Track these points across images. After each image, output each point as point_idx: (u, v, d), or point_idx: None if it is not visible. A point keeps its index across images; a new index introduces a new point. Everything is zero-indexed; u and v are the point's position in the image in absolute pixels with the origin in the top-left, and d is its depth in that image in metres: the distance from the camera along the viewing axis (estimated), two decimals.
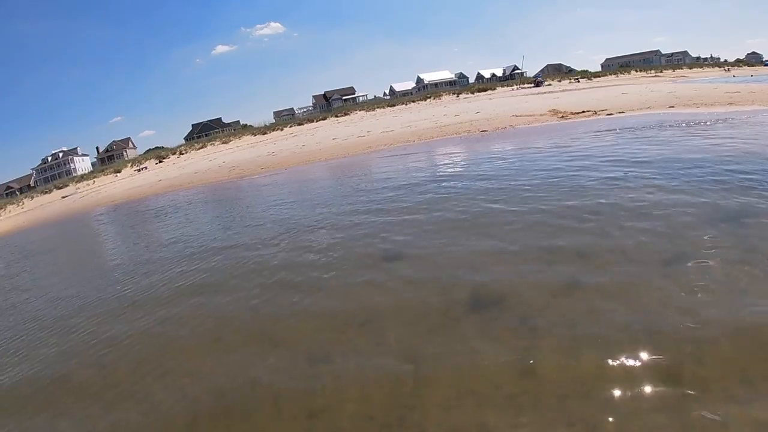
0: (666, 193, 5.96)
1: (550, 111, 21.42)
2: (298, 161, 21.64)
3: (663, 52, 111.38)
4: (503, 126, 19.26)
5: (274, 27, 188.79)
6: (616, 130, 13.12)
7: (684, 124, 12.39)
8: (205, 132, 79.82)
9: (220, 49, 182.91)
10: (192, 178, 25.11)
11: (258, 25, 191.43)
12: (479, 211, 6.63)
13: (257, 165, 23.63)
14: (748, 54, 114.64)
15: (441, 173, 10.68)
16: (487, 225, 5.93)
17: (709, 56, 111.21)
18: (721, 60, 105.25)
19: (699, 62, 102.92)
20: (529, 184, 7.68)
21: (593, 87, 43.38)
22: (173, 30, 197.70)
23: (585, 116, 18.60)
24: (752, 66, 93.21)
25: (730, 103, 17.22)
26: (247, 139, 51.44)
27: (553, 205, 6.25)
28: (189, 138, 77.36)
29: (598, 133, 13.00)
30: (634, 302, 3.53)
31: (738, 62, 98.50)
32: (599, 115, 18.26)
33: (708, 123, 12.22)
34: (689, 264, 3.98)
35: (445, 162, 12.80)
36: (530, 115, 21.01)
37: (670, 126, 12.45)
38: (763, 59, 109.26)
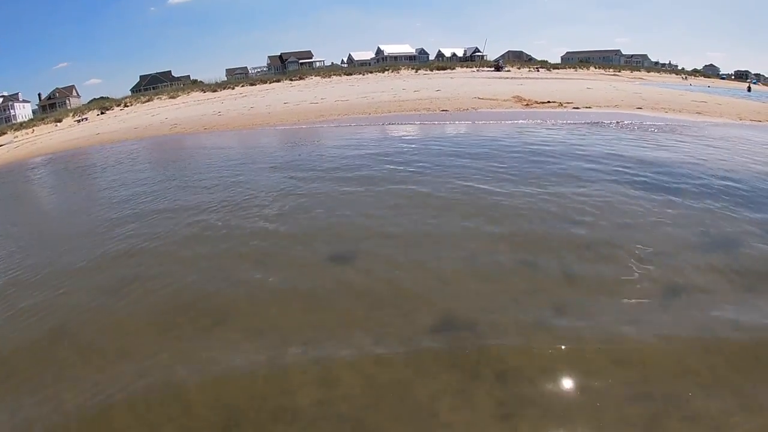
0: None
1: (514, 97, 20.42)
2: (244, 124, 20.31)
3: (623, 53, 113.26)
4: (465, 107, 18.08)
5: None
6: (592, 124, 12.22)
7: (660, 129, 11.59)
8: (153, 85, 76.07)
9: None
10: (130, 134, 23.25)
11: None
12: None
13: (200, 124, 22.23)
14: (705, 66, 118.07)
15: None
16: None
17: (668, 62, 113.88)
18: (679, 68, 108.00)
19: (657, 67, 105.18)
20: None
21: (555, 78, 42.91)
22: None
23: (550, 107, 17.67)
24: (709, 77, 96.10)
25: (699, 113, 16.75)
26: (196, 95, 49.14)
27: None
28: (136, 90, 73.64)
29: (577, 126, 12.06)
30: None
31: (695, 72, 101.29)
32: (565, 107, 17.36)
33: (688, 128, 11.51)
34: None
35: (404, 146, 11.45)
36: (493, 99, 19.93)
37: (648, 128, 11.63)
38: (720, 73, 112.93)
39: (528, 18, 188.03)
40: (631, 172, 6.81)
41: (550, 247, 4.36)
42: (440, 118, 15.86)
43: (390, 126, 14.76)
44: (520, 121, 13.55)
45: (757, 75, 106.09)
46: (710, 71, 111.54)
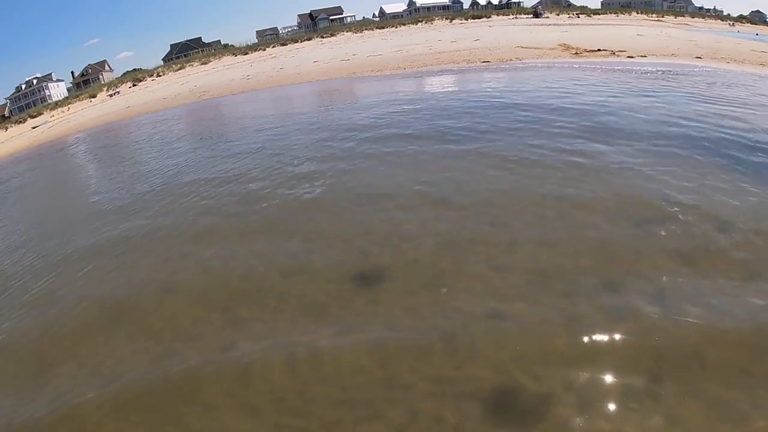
0: None
1: (560, 45, 19.07)
2: (273, 85, 20.02)
3: None
4: (508, 58, 16.94)
5: None
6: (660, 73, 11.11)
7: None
8: (184, 52, 76.19)
9: None
10: (160, 104, 23.18)
11: None
12: None
13: (229, 89, 21.90)
14: (752, 11, 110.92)
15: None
16: None
17: (713, 8, 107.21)
18: (724, 13, 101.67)
19: (701, 12, 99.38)
20: None
21: (599, 24, 40.33)
22: None
23: (602, 55, 16.39)
24: (756, 24, 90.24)
25: (762, 64, 15.31)
26: (228, 59, 48.26)
27: None
28: (167, 59, 73.76)
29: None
30: None
31: (741, 18, 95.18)
32: (618, 56, 16.08)
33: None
34: None
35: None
36: (538, 48, 18.64)
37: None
38: (767, 19, 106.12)
39: None
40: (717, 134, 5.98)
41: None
42: (478, 70, 14.87)
43: (429, 80, 13.89)
44: (580, 72, 12.51)
45: None
46: (757, 17, 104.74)
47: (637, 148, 5.53)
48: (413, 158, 5.98)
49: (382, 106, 9.82)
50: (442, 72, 15.47)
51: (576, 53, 16.93)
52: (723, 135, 5.89)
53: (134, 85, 45.52)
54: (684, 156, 5.20)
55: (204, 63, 49.33)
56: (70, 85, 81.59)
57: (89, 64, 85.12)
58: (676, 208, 3.93)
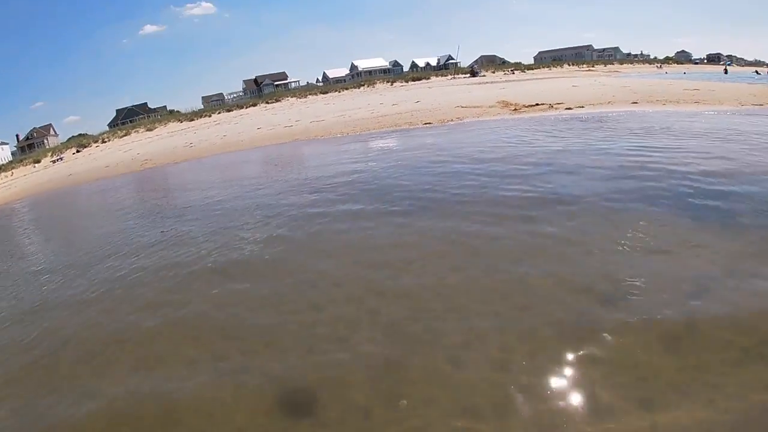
0: None
1: (499, 102, 19.16)
2: (215, 152, 19.37)
3: (595, 47, 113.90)
4: (449, 118, 16.75)
5: (205, 7, 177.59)
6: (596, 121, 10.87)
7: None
8: (129, 118, 76.38)
9: (148, 29, 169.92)
10: (102, 173, 22.07)
11: (188, 4, 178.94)
12: None
13: (172, 158, 20.98)
14: (677, 52, 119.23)
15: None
16: None
17: (639, 53, 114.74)
18: (651, 57, 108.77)
19: (629, 58, 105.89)
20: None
21: (534, 79, 41.97)
22: (100, 8, 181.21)
23: (540, 110, 16.43)
24: (681, 63, 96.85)
25: (697, 102, 15.68)
26: (173, 126, 47.84)
27: None
28: (113, 124, 73.54)
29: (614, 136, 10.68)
30: None
31: (668, 59, 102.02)
32: (557, 108, 16.13)
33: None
34: None
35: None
36: (478, 107, 18.63)
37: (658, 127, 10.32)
38: (692, 58, 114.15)
39: (497, 22, 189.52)
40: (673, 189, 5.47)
41: None
42: (420, 133, 14.52)
43: (373, 143, 13.41)
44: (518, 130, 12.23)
45: (729, 56, 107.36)
46: (683, 57, 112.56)
47: (592, 209, 4.97)
48: (356, 236, 5.22)
49: (321, 175, 9.13)
50: (383, 135, 15.07)
51: (515, 109, 16.92)
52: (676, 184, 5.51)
53: (78, 152, 44.44)
54: (641, 213, 4.70)
55: (149, 129, 48.52)
56: (15, 148, 79.07)
57: (34, 128, 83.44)
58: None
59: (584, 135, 10.07)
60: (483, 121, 15.33)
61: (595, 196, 5.41)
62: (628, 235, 4.22)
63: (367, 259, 4.48)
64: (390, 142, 13.43)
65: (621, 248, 4.00)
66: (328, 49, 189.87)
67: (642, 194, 5.31)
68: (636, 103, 16.03)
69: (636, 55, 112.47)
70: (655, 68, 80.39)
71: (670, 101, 15.97)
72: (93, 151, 41.93)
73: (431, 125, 15.94)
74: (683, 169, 6.24)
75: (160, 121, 54.21)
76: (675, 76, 41.95)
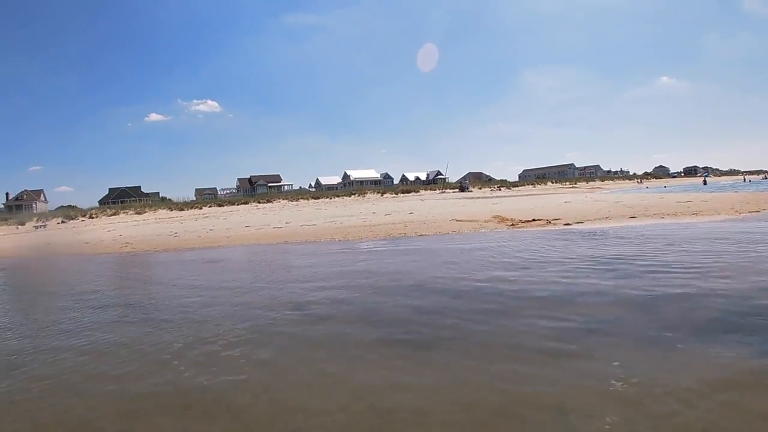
0: None
1: (494, 217, 18.94)
2: (200, 245, 18.64)
3: (576, 166, 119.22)
4: (445, 231, 16.29)
5: (211, 105, 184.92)
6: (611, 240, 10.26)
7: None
8: (121, 198, 79.23)
9: (154, 117, 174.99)
10: (79, 248, 21.75)
11: (195, 100, 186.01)
12: None
13: (153, 245, 20.32)
14: (655, 167, 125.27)
15: None
16: None
17: (620, 170, 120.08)
18: (630, 173, 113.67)
19: (610, 175, 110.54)
20: None
21: (522, 195, 42.96)
22: (111, 88, 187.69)
23: (538, 225, 16.10)
24: (660, 178, 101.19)
25: (695, 213, 15.60)
26: (163, 213, 48.66)
27: None
28: (104, 202, 75.62)
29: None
30: None
31: (647, 175, 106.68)
32: (555, 224, 15.83)
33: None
34: None
35: None
36: (473, 221, 18.34)
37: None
38: (670, 171, 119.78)
39: (483, 140, 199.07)
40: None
41: None
42: (420, 243, 13.90)
43: (368, 253, 12.65)
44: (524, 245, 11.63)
45: (706, 168, 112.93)
46: (661, 172, 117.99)
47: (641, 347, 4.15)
48: (351, 368, 4.30)
49: (309, 286, 8.25)
50: (378, 245, 14.41)
51: (512, 225, 16.58)
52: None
53: (63, 222, 45.20)
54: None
55: (139, 213, 49.10)
56: (2, 206, 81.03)
57: (26, 190, 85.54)
58: None
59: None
60: (481, 235, 14.83)
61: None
62: None
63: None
64: (386, 253, 12.71)
65: None
66: (323, 157, 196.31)
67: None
68: (634, 217, 15.86)
69: (616, 172, 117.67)
70: (636, 183, 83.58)
71: (668, 214, 15.84)
72: (77, 224, 42.44)
73: (427, 236, 15.41)
74: None
75: (150, 206, 55.20)
76: (656, 190, 43.18)
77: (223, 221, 31.00)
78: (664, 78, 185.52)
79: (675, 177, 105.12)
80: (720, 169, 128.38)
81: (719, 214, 15.10)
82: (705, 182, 63.13)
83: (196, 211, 48.37)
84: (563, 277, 7.36)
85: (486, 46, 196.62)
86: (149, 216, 45.73)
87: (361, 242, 15.38)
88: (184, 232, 24.73)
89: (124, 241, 22.84)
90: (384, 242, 14.83)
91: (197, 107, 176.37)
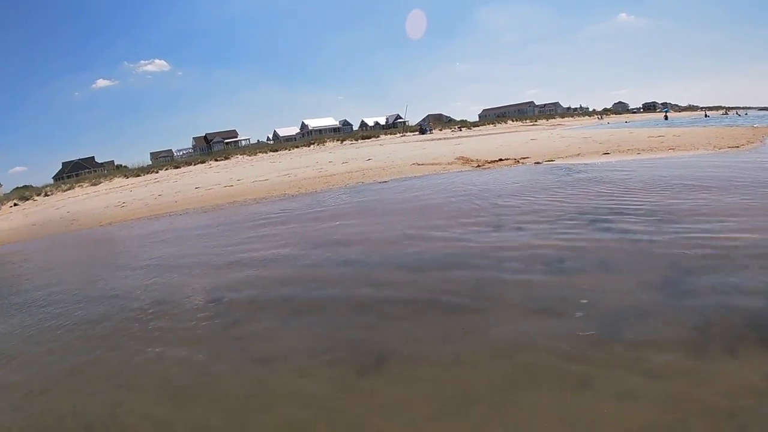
0: None
1: (458, 158, 17.69)
2: (147, 214, 17.14)
3: (536, 103, 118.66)
4: (406, 176, 15.00)
5: (159, 64, 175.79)
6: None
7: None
8: (75, 171, 75.27)
9: (101, 83, 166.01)
10: (26, 232, 19.70)
11: (142, 61, 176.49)
12: None
13: (99, 219, 18.53)
14: (615, 103, 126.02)
15: None
16: None
17: (579, 106, 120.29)
18: (590, 110, 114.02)
19: (570, 112, 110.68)
20: None
21: (485, 134, 41.81)
22: (54, 60, 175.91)
23: (506, 164, 14.95)
24: (620, 114, 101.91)
25: (671, 149, 14.73)
26: (119, 181, 45.43)
27: None
28: (58, 177, 71.27)
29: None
30: None
31: (606, 111, 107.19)
32: (523, 163, 14.71)
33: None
34: None
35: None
36: (436, 164, 17.05)
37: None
38: (629, 107, 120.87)
39: (442, 82, 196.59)
40: None
41: None
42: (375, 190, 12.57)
43: (323, 206, 11.25)
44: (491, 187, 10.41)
45: (665, 104, 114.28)
46: (620, 108, 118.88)
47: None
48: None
49: (258, 248, 6.94)
50: (333, 194, 13.03)
51: (478, 165, 15.38)
52: None
53: (16, 205, 41.14)
54: None
55: (94, 184, 45.95)
56: None
57: None
58: None
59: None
60: (444, 177, 13.58)
61: None
62: None
63: None
64: (344, 203, 11.35)
65: None
66: (279, 108, 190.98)
67: None
68: (608, 153, 14.88)
69: (576, 109, 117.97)
70: (597, 119, 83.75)
71: (643, 150, 14.92)
72: (28, 206, 38.31)
73: (387, 183, 14.08)
74: None
75: (105, 176, 51.99)
76: (617, 126, 43.07)
77: (173, 184, 29.00)
78: (623, 15, 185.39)
79: (635, 113, 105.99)
80: (679, 104, 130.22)
81: (697, 149, 14.31)
82: (666, 117, 63.39)
83: (150, 176, 45.51)
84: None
85: None
86: (104, 186, 42.78)
87: (316, 192, 14.00)
88: (132, 201, 22.92)
89: (71, 218, 20.99)
90: (341, 191, 13.45)
91: (145, 68, 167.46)
